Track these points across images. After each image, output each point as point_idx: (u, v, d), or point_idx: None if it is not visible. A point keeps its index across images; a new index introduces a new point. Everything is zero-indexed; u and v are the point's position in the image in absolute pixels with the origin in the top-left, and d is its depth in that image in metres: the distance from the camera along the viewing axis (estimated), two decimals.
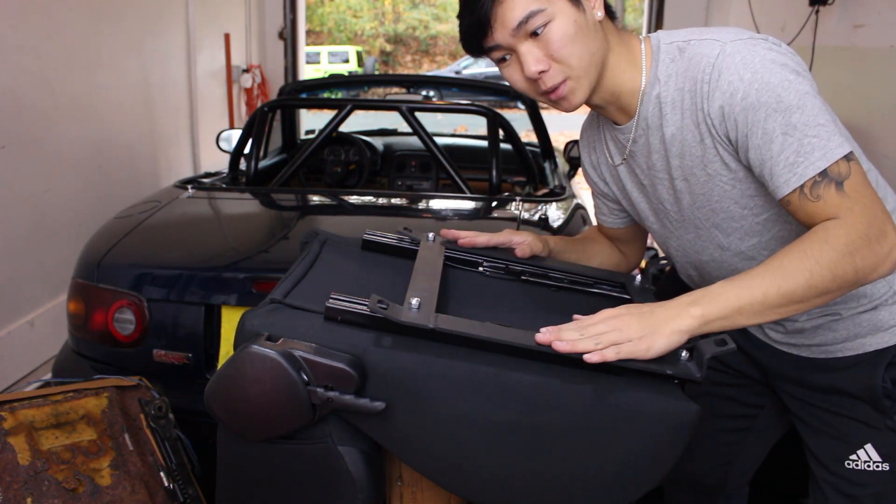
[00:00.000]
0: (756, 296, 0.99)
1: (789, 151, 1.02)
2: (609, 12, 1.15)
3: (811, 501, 1.39)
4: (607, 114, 1.23)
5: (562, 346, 0.99)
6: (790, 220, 1.16)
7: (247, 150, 2.91)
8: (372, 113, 9.92)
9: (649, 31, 5.34)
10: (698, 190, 1.17)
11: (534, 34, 1.08)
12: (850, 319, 1.24)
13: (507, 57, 1.13)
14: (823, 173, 1.01)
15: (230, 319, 1.95)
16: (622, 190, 1.32)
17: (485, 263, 1.34)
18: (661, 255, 3.55)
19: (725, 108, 1.06)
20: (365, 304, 1.04)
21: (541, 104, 2.17)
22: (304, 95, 3.43)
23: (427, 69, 20.71)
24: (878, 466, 1.27)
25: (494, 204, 2.47)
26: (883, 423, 1.26)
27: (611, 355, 0.98)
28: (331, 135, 2.87)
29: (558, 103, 1.14)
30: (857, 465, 1.28)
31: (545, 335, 1.01)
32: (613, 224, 1.44)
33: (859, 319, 1.24)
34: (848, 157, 1.02)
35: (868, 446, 1.27)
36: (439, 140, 3.31)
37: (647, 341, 0.99)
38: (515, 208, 2.37)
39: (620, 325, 1.00)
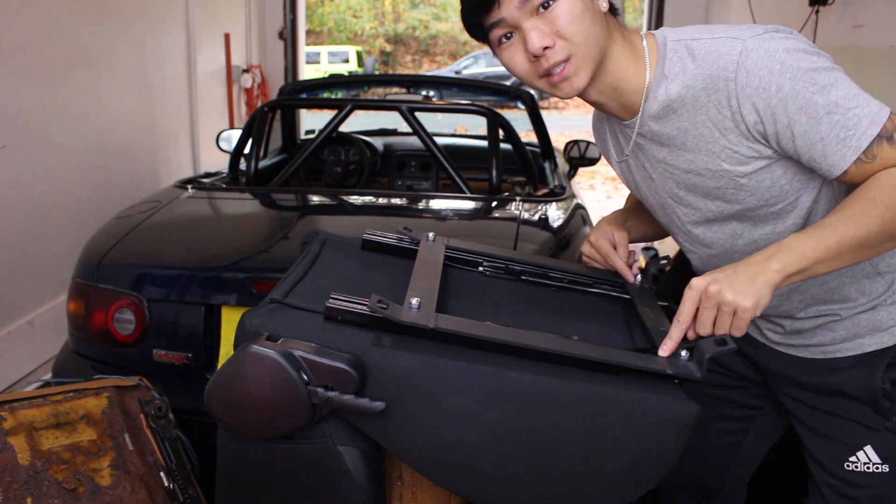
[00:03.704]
0: (831, 245, 1.02)
1: (839, 128, 1.04)
2: (612, 9, 1.15)
3: (810, 503, 1.39)
4: (608, 110, 1.22)
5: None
6: (804, 207, 1.17)
7: (247, 150, 2.91)
8: (372, 113, 9.93)
9: (650, 30, 5.25)
10: (712, 185, 1.17)
11: (544, 6, 1.06)
12: (849, 320, 1.24)
13: (510, 35, 1.11)
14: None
15: (230, 319, 1.95)
16: (633, 183, 1.32)
17: (485, 263, 1.34)
18: (662, 254, 3.54)
19: (759, 103, 1.06)
20: (365, 304, 1.04)
21: (541, 104, 2.16)
22: (304, 95, 3.43)
23: (427, 69, 20.70)
24: (877, 468, 1.27)
25: (494, 204, 2.47)
26: (882, 425, 1.25)
27: (738, 335, 1.04)
28: (331, 135, 2.87)
29: (559, 86, 1.12)
30: (856, 467, 1.28)
31: (668, 350, 1.07)
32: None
33: (858, 319, 1.24)
34: (889, 115, 1.05)
35: (868, 448, 1.27)
36: (439, 140, 3.31)
37: (751, 300, 1.01)
38: (515, 208, 2.38)
39: (721, 301, 1.02)
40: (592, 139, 3.46)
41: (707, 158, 1.14)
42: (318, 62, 17.37)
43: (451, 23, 21.80)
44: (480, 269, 1.34)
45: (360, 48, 19.29)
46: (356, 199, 2.59)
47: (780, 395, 1.39)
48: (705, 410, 1.08)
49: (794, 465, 1.57)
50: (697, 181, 1.18)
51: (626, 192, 1.47)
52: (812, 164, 1.09)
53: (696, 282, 1.05)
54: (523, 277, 1.32)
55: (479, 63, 18.31)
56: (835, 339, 1.26)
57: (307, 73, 7.14)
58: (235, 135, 3.21)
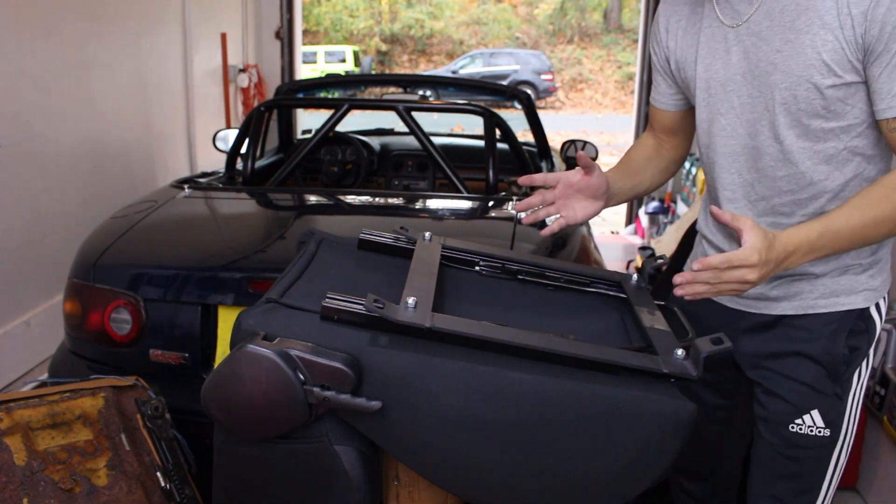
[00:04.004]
0: (845, 247, 1.16)
1: None
2: None
3: (752, 456, 1.42)
4: None
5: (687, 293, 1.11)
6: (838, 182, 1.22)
7: (243, 149, 2.91)
8: (369, 113, 9.92)
9: (645, 31, 5.35)
10: (797, 71, 1.17)
11: None
12: (829, 278, 1.28)
13: None
14: None
15: (227, 319, 1.95)
16: (692, 59, 1.32)
17: (481, 263, 1.34)
18: (658, 253, 3.55)
19: (869, 13, 1.09)
20: (361, 304, 1.04)
21: (538, 104, 2.16)
22: (300, 95, 3.43)
23: (424, 69, 20.68)
24: (820, 432, 1.31)
25: (491, 203, 2.47)
26: (832, 390, 1.30)
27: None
28: (327, 134, 2.86)
29: None
30: (800, 429, 1.32)
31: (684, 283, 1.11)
32: (665, 106, 1.47)
33: (840, 280, 1.28)
34: None
35: (814, 412, 1.31)
36: (436, 140, 3.31)
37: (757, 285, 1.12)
38: (512, 208, 2.38)
39: (745, 279, 1.10)
40: (589, 139, 3.46)
41: (801, 52, 1.16)
42: (315, 62, 17.36)
43: (448, 22, 21.80)
44: (477, 268, 1.34)
45: (356, 48, 19.28)
46: (353, 199, 2.59)
47: (742, 365, 1.40)
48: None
49: None
50: (779, 59, 1.18)
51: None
52: (872, 96, 1.14)
53: (750, 267, 1.08)
54: (520, 277, 1.32)
55: (475, 63, 18.31)
56: (812, 293, 1.29)
57: (304, 72, 7.14)
58: (232, 134, 3.20)
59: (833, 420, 1.32)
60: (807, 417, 1.32)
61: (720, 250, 1.36)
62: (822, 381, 1.31)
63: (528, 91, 7.82)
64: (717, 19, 1.27)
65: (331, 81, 3.70)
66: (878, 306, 1.32)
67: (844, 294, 1.29)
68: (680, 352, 1.07)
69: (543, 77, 17.77)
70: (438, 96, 4.81)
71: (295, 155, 2.79)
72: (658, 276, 2.82)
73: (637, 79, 6.13)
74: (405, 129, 2.96)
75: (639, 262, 3.77)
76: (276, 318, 1.07)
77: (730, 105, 1.27)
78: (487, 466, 1.05)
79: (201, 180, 2.78)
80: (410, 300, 1.04)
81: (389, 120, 3.90)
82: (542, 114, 3.35)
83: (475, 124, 3.96)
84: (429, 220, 2.36)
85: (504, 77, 16.79)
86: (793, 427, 1.33)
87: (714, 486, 1.63)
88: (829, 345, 1.29)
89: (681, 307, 1.31)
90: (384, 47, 21.28)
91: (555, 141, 3.71)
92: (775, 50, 1.19)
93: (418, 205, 2.56)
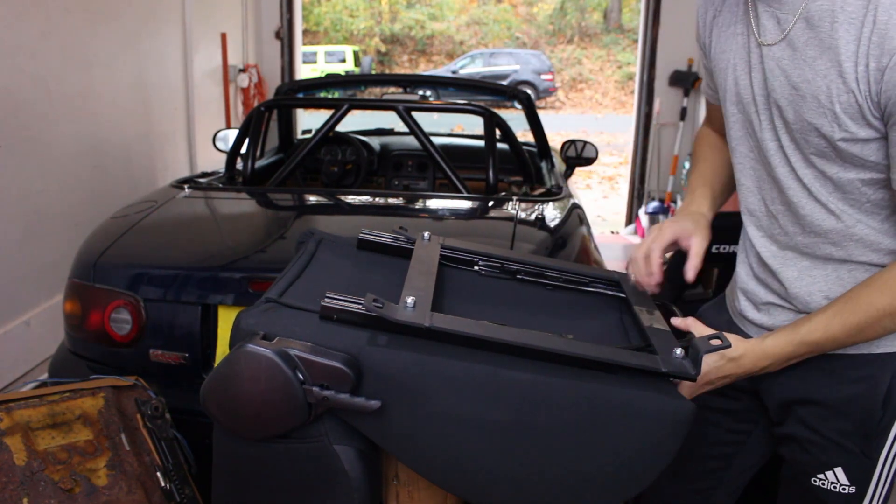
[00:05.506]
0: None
1: None
2: None
3: (779, 496, 1.36)
4: None
5: None
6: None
7: (243, 149, 2.91)
8: (369, 112, 9.92)
9: (645, 31, 5.33)
10: (808, 117, 1.06)
11: None
12: None
13: None
14: None
15: (227, 319, 1.95)
16: (724, 67, 1.19)
17: (480, 262, 1.34)
18: None
19: (886, 73, 0.96)
20: (360, 303, 1.04)
21: (538, 104, 2.15)
22: (300, 95, 3.43)
23: (424, 69, 20.68)
24: (844, 489, 1.23)
25: (491, 203, 2.47)
26: (858, 447, 1.20)
27: None
28: (327, 134, 2.87)
29: None
30: (823, 484, 1.24)
31: None
32: (716, 101, 1.33)
33: None
34: None
35: (838, 469, 1.22)
36: (436, 140, 3.31)
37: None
38: (512, 208, 2.38)
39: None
40: (589, 139, 3.47)
41: (814, 97, 1.04)
42: (315, 62, 17.37)
43: (448, 22, 21.80)
44: (476, 268, 1.34)
45: (356, 48, 19.29)
46: (353, 199, 2.59)
47: (768, 405, 1.32)
48: (696, 434, 1.08)
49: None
50: (794, 99, 1.07)
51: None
52: (891, 161, 1.02)
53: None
54: (519, 277, 1.32)
55: (475, 63, 18.31)
56: None
57: (304, 72, 7.15)
58: (232, 134, 3.20)
59: (859, 478, 1.21)
60: (829, 474, 1.23)
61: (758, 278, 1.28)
62: (847, 436, 1.20)
63: (528, 91, 7.83)
64: (751, 28, 1.13)
65: (331, 81, 3.70)
66: None
67: None
68: (679, 351, 1.07)
69: (543, 77, 17.78)
70: (438, 96, 4.80)
71: (295, 155, 2.80)
72: None
73: (637, 79, 6.12)
74: (405, 129, 2.96)
75: None
76: (276, 317, 1.07)
77: (751, 129, 1.17)
78: (486, 466, 1.05)
79: (201, 180, 2.79)
80: (409, 300, 1.04)
81: (389, 120, 3.90)
82: (542, 114, 3.35)
83: (475, 124, 3.95)
84: (429, 220, 2.36)
85: (504, 77, 16.80)
86: (815, 481, 1.24)
87: None
88: (858, 394, 1.17)
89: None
90: (384, 47, 21.28)
91: (555, 141, 3.71)
92: (791, 86, 1.06)
93: (418, 205, 2.56)
